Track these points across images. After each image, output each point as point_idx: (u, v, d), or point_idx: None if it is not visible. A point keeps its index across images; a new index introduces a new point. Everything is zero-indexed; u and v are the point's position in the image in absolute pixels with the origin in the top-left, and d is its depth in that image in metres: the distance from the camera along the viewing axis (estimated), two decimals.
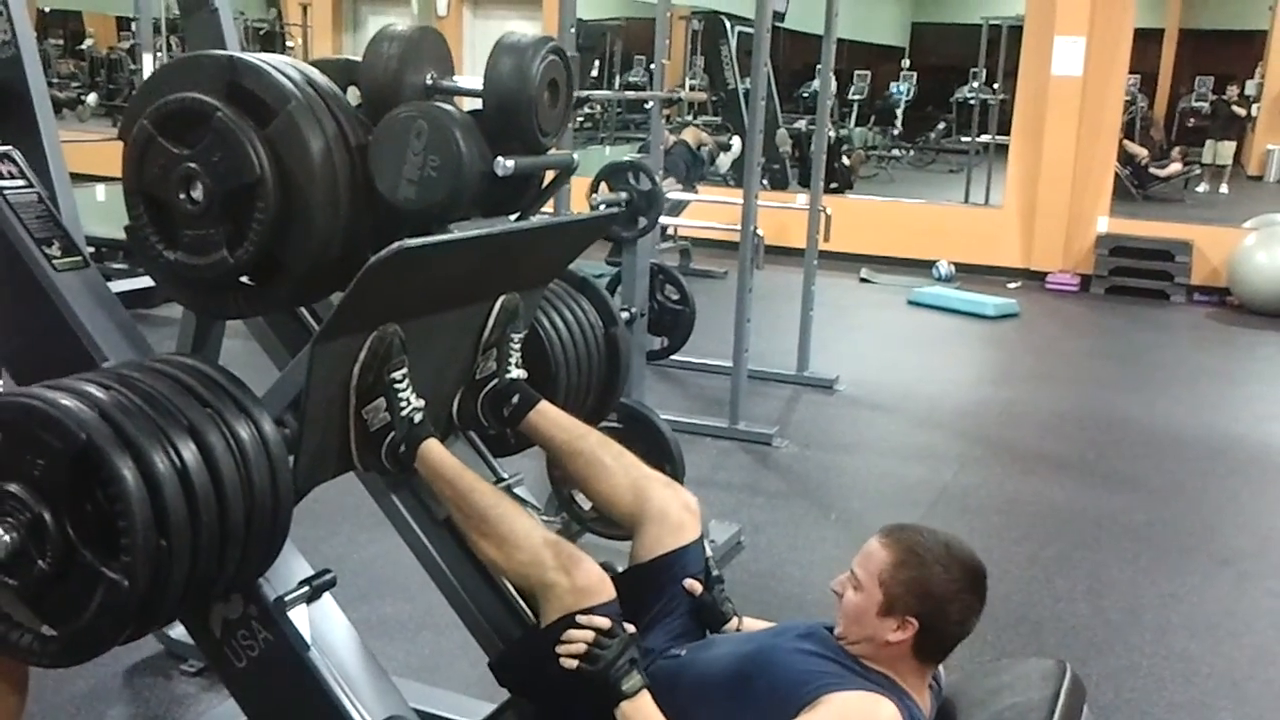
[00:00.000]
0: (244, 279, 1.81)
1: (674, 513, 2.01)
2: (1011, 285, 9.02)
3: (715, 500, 4.16)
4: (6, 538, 1.46)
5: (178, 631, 2.88)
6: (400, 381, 1.87)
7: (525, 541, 1.87)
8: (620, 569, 2.02)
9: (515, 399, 2.10)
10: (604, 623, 1.76)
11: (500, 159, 1.86)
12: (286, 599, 1.77)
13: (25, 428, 1.45)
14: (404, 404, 1.89)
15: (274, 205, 1.72)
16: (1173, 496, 4.63)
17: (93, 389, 1.50)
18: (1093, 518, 4.33)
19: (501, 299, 2.08)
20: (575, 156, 2.16)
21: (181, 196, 1.74)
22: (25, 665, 2.18)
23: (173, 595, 1.50)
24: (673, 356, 4.22)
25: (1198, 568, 3.92)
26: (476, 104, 1.92)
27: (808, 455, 4.92)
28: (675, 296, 4.00)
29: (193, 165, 1.72)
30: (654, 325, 3.89)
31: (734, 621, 1.99)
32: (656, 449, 3.23)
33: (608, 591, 1.82)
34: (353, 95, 1.89)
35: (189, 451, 1.50)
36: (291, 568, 1.84)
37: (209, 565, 1.53)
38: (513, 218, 2.07)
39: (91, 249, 1.92)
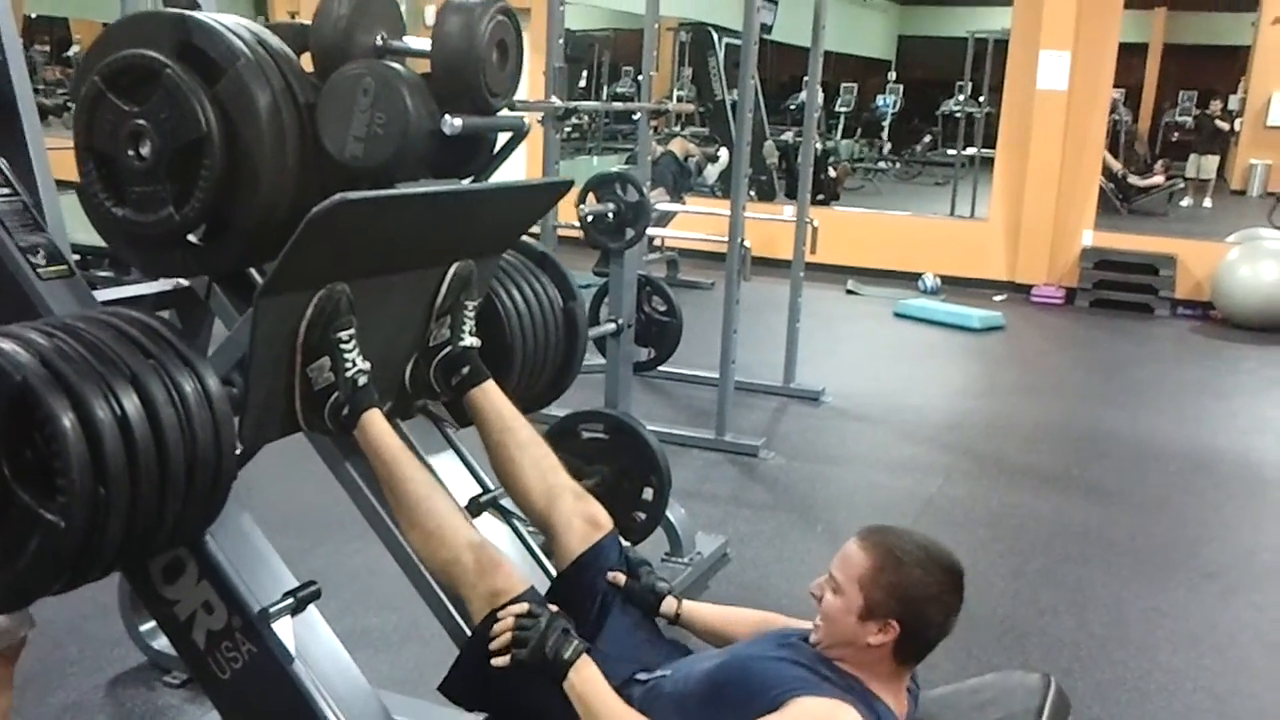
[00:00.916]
0: (192, 238, 1.81)
1: (578, 525, 2.04)
2: (997, 298, 9.07)
3: (701, 512, 4.15)
4: None
5: (161, 643, 2.87)
6: (346, 341, 1.87)
7: (450, 539, 1.89)
8: None
9: (466, 369, 2.11)
10: (521, 607, 1.78)
11: (448, 117, 1.85)
12: (271, 610, 1.75)
13: None
14: (349, 364, 1.88)
15: (220, 162, 1.72)
16: (1157, 510, 4.65)
17: (34, 335, 1.50)
18: (1077, 531, 4.35)
19: (455, 265, 2.08)
20: (526, 120, 2.12)
21: (130, 153, 1.75)
22: (10, 669, 2.17)
23: (110, 542, 1.49)
24: (660, 368, 4.23)
25: (1182, 581, 3.93)
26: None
27: (794, 467, 4.92)
28: (662, 308, 4.01)
29: (141, 122, 1.73)
30: (641, 336, 3.89)
31: (670, 601, 2.01)
32: (643, 460, 3.23)
33: (524, 585, 1.85)
34: (309, 63, 1.89)
35: (129, 398, 1.49)
36: (276, 579, 1.83)
37: (148, 514, 1.52)
38: (465, 183, 2.06)
39: (77, 256, 1.91)
